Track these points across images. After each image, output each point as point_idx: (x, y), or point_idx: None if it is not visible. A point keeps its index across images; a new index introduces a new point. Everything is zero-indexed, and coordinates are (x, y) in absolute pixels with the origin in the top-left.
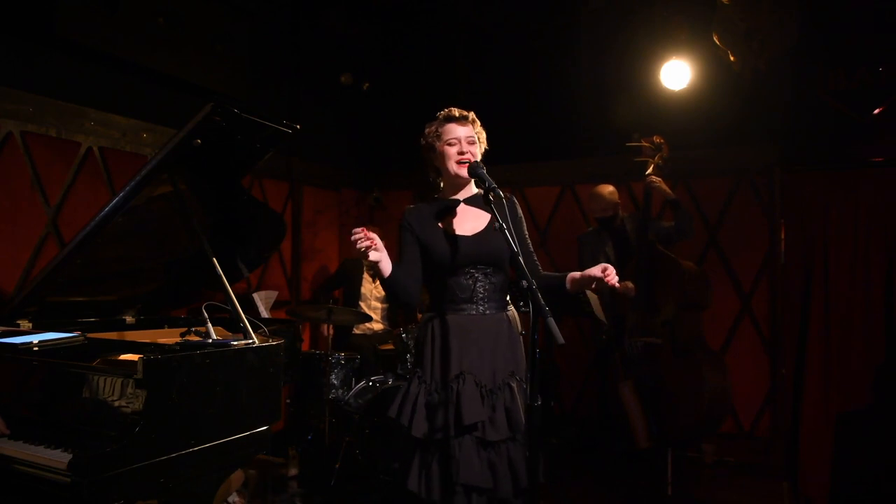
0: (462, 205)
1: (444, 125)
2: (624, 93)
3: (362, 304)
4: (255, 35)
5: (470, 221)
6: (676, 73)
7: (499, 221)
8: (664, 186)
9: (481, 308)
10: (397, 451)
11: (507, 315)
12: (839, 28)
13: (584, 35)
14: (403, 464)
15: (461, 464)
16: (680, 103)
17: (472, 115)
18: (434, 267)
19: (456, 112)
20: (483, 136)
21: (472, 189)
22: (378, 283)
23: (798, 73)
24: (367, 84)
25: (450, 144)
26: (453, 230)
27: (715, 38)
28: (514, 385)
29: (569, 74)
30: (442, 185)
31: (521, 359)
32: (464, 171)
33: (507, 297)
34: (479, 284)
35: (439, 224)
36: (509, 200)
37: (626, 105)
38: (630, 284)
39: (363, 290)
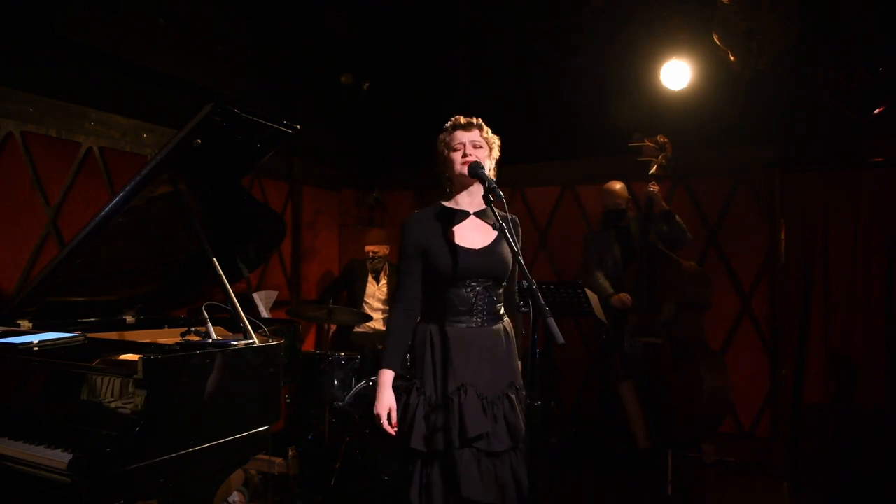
0: (472, 217)
1: (451, 133)
2: (624, 93)
3: (365, 306)
4: (255, 35)
5: (478, 234)
6: (676, 73)
7: (498, 221)
8: (659, 196)
9: (479, 320)
10: (398, 462)
11: (503, 326)
12: (839, 28)
13: (584, 35)
14: (404, 475)
15: (463, 477)
16: (680, 103)
17: (477, 120)
18: (436, 276)
19: (462, 119)
20: (495, 142)
21: (481, 203)
22: (381, 284)
23: (798, 73)
24: (367, 84)
25: (455, 150)
26: (461, 242)
27: (715, 38)
28: (513, 396)
29: (569, 74)
30: (451, 193)
31: (518, 369)
32: (465, 170)
33: (503, 309)
34: (479, 298)
35: (446, 234)
36: (512, 220)
37: (626, 105)
38: (626, 297)
39: (367, 291)
